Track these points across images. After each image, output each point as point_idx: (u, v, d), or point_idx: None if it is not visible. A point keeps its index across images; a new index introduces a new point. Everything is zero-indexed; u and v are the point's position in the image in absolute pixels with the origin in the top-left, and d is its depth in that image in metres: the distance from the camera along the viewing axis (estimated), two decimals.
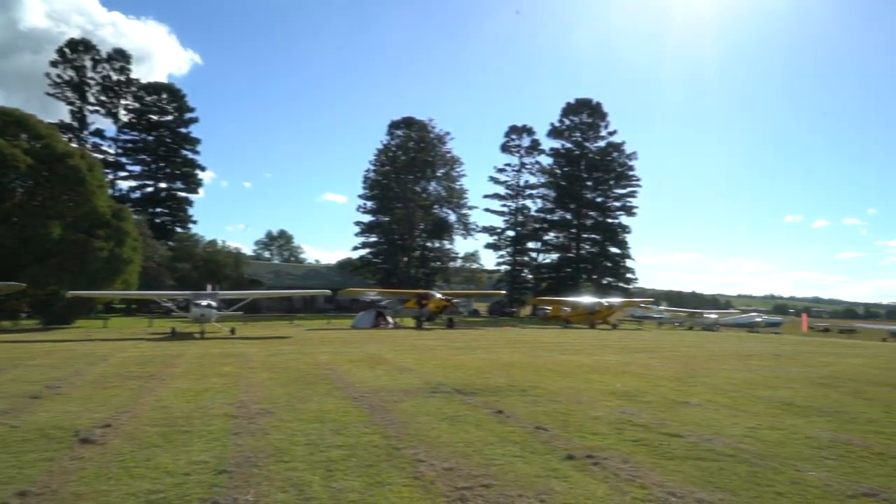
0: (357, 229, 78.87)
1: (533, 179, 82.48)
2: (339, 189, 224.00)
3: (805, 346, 29.33)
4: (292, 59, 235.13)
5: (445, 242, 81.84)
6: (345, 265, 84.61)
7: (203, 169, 77.04)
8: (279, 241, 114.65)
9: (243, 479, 5.82)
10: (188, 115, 74.06)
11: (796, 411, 10.05)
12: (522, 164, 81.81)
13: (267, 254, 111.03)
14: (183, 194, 74.96)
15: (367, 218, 79.13)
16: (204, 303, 28.67)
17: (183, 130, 74.16)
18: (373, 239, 79.19)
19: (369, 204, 78.85)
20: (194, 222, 75.80)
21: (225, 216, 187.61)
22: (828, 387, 13.41)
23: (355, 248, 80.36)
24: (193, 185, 75.52)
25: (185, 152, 74.39)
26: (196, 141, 74.74)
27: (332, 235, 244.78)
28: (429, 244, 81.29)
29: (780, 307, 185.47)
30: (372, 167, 79.37)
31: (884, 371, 17.52)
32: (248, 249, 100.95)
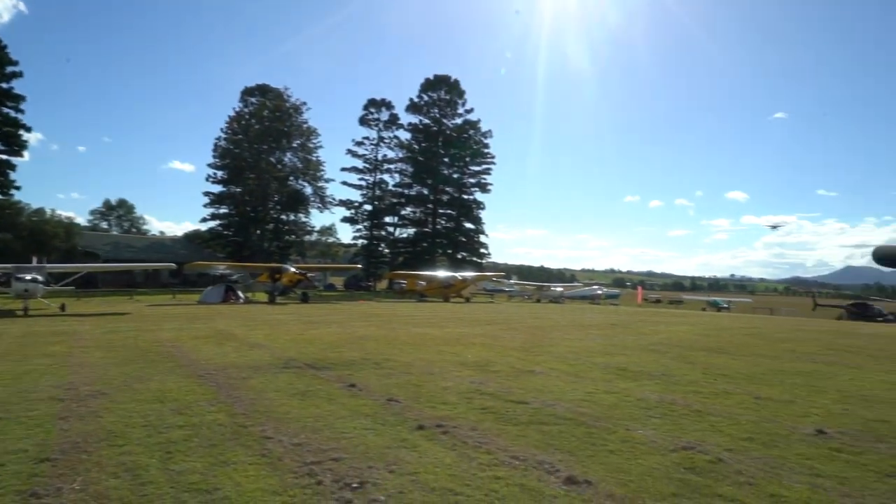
0: (206, 200, 75.12)
1: (391, 154, 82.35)
2: (186, 157, 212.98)
3: (639, 317, 31.84)
4: (134, 12, 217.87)
5: (301, 215, 79.94)
6: (193, 237, 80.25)
7: (28, 129, 68.99)
8: (118, 211, 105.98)
9: (69, 466, 5.38)
10: (10, 69, 66.18)
11: (629, 376, 10.91)
12: (381, 139, 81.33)
13: (104, 224, 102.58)
14: (3, 157, 67.18)
15: (218, 188, 75.54)
16: (28, 276, 26.41)
17: (4, 86, 66.28)
18: (223, 210, 75.70)
19: (220, 174, 75.16)
20: (17, 188, 67.80)
21: (56, 182, 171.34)
22: (657, 353, 14.68)
23: (204, 220, 76.50)
24: (16, 147, 67.65)
25: (6, 110, 66.55)
26: (20, 98, 66.95)
27: (178, 206, 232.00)
28: (283, 217, 78.92)
29: (619, 280, 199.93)
30: (223, 135, 75.64)
31: (703, 337, 19.43)
32: (82, 220, 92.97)
